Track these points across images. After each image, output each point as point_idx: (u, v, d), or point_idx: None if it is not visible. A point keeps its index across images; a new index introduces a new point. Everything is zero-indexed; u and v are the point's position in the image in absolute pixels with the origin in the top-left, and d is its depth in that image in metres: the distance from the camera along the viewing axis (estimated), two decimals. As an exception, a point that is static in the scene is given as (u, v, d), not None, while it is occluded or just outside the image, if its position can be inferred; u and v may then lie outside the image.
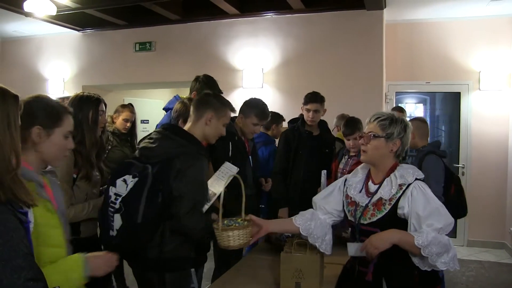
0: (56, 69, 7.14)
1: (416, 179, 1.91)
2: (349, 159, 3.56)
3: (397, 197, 1.90)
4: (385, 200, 1.92)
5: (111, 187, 2.16)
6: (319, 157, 3.73)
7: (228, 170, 2.62)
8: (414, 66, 6.04)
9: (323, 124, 3.87)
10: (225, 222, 1.96)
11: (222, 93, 3.22)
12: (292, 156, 3.71)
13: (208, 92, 2.48)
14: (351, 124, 3.48)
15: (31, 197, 1.12)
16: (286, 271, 2.09)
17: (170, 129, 2.33)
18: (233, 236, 1.89)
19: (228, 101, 2.49)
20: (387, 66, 5.89)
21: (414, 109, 6.70)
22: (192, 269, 2.32)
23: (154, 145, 2.22)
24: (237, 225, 1.94)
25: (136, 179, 2.10)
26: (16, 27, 6.78)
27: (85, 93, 2.49)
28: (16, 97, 1.19)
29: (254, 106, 3.10)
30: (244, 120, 3.10)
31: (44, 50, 7.25)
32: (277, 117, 4.62)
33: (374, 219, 1.93)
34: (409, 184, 1.90)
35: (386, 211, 1.91)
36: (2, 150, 1.10)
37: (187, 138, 2.26)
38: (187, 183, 2.14)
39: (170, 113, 3.30)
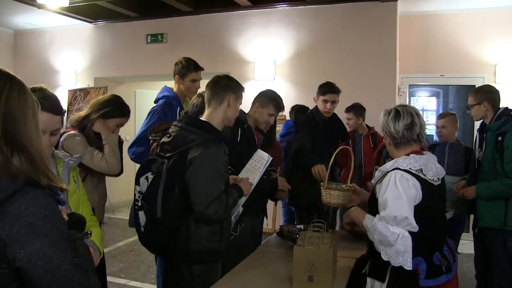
0: (68, 61, 7.18)
1: (397, 168, 1.91)
2: None
3: (375, 183, 2.09)
4: (372, 184, 2.18)
5: (136, 186, 2.20)
6: (332, 148, 3.67)
7: (260, 158, 2.61)
8: (428, 59, 5.93)
9: (333, 114, 3.78)
10: (333, 185, 2.43)
11: (203, 70, 3.37)
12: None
13: (220, 75, 2.43)
14: None
15: (61, 183, 1.17)
16: (298, 264, 2.06)
17: (184, 120, 2.31)
18: (334, 195, 2.30)
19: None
20: (400, 59, 5.80)
21: (426, 102, 6.61)
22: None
23: (170, 139, 2.24)
24: (340, 187, 2.38)
25: (154, 175, 2.13)
26: (28, 19, 6.83)
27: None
28: (25, 86, 1.20)
29: (273, 98, 3.11)
30: (261, 110, 3.08)
31: (56, 42, 7.29)
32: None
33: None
34: (388, 172, 1.95)
35: (369, 194, 2.20)
36: (34, 141, 1.14)
37: (201, 126, 2.22)
38: (195, 172, 2.12)
39: (161, 110, 3.15)
